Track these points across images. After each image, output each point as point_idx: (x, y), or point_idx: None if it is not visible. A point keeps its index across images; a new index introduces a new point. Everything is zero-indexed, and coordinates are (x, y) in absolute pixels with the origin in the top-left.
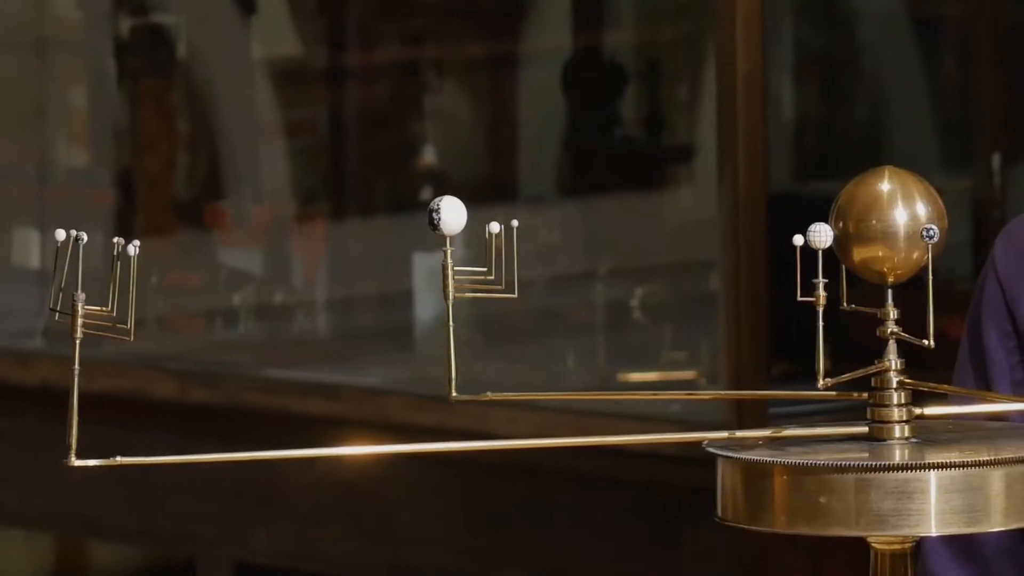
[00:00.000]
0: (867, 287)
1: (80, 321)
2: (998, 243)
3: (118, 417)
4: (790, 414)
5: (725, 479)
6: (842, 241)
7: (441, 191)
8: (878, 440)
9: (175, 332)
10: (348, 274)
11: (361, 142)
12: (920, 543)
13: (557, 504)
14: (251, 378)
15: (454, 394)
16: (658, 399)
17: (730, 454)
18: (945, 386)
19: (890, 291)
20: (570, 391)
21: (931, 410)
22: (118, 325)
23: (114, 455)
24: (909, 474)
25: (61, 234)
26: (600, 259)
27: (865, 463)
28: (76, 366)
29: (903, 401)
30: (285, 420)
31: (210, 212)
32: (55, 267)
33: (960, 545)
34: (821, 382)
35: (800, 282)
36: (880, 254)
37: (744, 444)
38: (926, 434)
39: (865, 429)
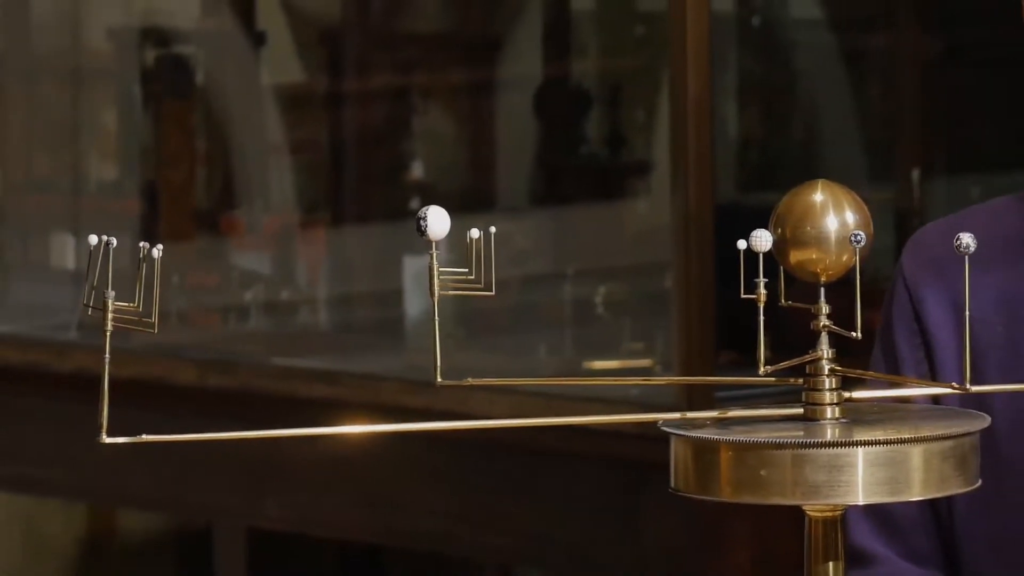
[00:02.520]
0: (802, 286)
1: (110, 316)
2: (906, 251)
3: (144, 400)
4: (734, 397)
5: (677, 454)
6: (780, 245)
7: (428, 201)
8: (812, 420)
9: (194, 326)
10: (346, 275)
11: (358, 158)
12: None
13: (531, 476)
14: (262, 366)
15: (439, 380)
16: (619, 384)
17: (682, 432)
18: (871, 373)
19: (822, 289)
20: (542, 377)
21: (859, 394)
22: (144, 319)
23: (140, 434)
24: (839, 450)
25: (93, 239)
26: (568, 261)
27: (800, 440)
28: (107, 355)
29: (834, 386)
30: (292, 403)
31: (225, 220)
32: (88, 268)
33: (879, 518)
34: (762, 369)
35: (743, 281)
36: (814, 256)
37: (694, 424)
38: (854, 415)
39: (800, 410)
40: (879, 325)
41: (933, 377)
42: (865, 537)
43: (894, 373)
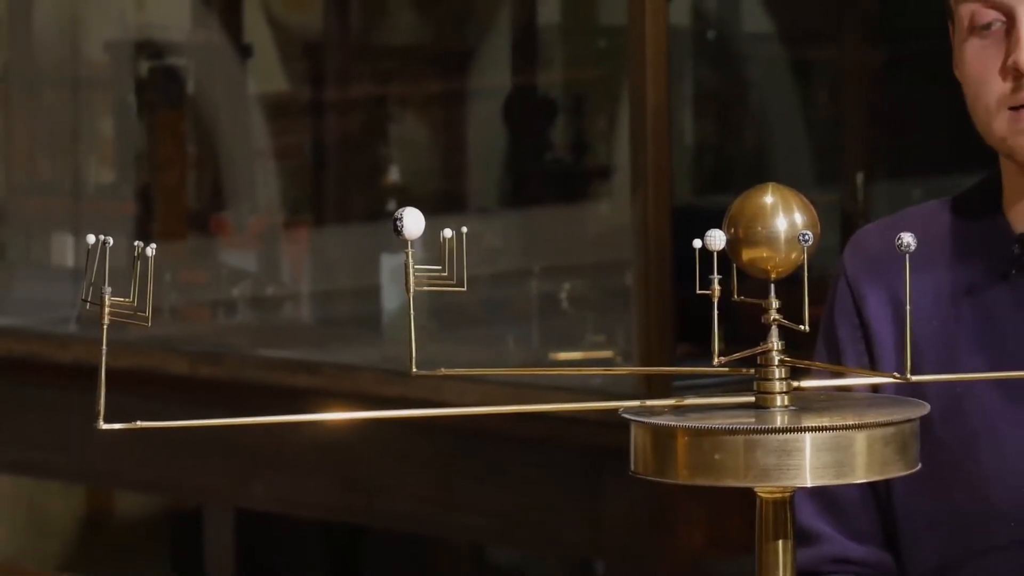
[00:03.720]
0: (754, 282)
1: (107, 310)
2: (847, 251)
3: (139, 389)
4: (691, 387)
5: (637, 440)
6: (733, 244)
7: (404, 203)
8: (763, 407)
9: (186, 319)
10: (327, 272)
11: (338, 163)
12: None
13: (500, 460)
14: (248, 357)
15: (414, 370)
16: (582, 374)
17: (641, 419)
18: (817, 363)
19: (773, 285)
20: (510, 368)
21: (806, 383)
22: (138, 313)
23: (135, 420)
24: (788, 436)
25: (92, 239)
26: (534, 259)
27: (752, 426)
28: (104, 347)
29: (783, 376)
30: (277, 391)
31: (214, 221)
32: (87, 266)
33: (823, 500)
34: (716, 360)
35: (699, 278)
36: (765, 255)
37: (653, 411)
38: (802, 403)
39: (752, 399)
40: (822, 323)
41: (872, 368)
42: (811, 517)
43: (837, 365)
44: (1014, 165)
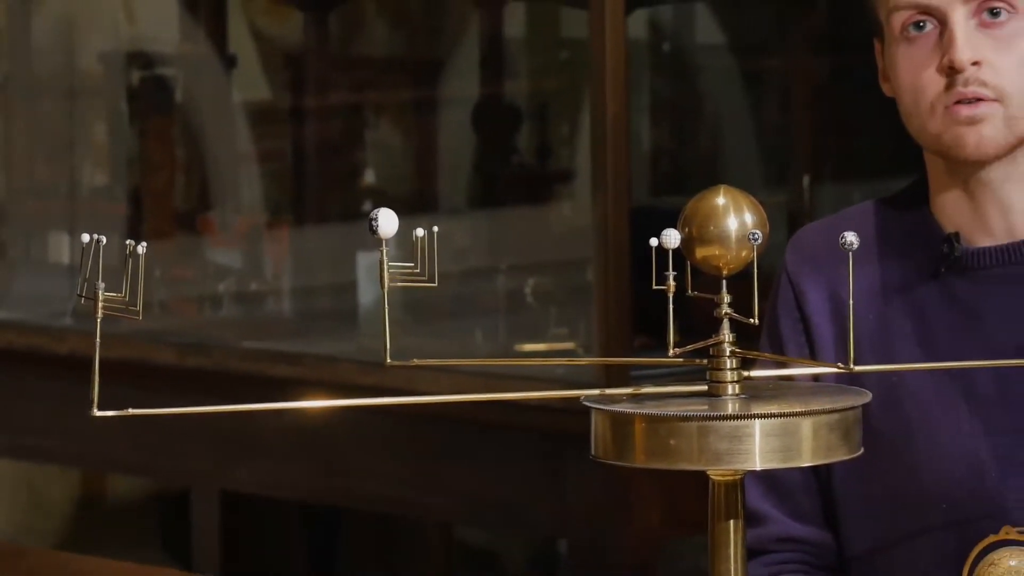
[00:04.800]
0: (707, 278)
1: (101, 304)
2: (788, 249)
3: (130, 379)
4: (648, 376)
5: (597, 426)
6: (687, 242)
7: (379, 204)
8: (715, 396)
9: (174, 313)
10: (307, 268)
11: (317, 166)
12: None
13: (469, 445)
14: (233, 348)
15: (389, 360)
16: (546, 364)
17: (601, 407)
18: (766, 354)
19: (724, 281)
20: (479, 358)
21: (756, 373)
22: (130, 308)
23: (127, 408)
24: (739, 422)
25: (86, 237)
26: (501, 257)
27: (705, 413)
28: (97, 339)
29: (734, 366)
30: (259, 381)
31: (201, 221)
32: (82, 263)
33: (769, 483)
34: (671, 351)
35: (655, 274)
36: (717, 252)
37: (612, 399)
38: (752, 391)
39: (705, 387)
40: (766, 317)
41: (814, 359)
42: (757, 500)
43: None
44: (942, 164)
